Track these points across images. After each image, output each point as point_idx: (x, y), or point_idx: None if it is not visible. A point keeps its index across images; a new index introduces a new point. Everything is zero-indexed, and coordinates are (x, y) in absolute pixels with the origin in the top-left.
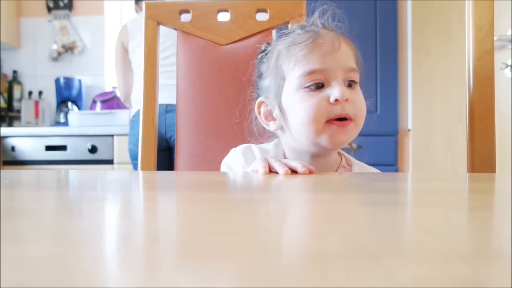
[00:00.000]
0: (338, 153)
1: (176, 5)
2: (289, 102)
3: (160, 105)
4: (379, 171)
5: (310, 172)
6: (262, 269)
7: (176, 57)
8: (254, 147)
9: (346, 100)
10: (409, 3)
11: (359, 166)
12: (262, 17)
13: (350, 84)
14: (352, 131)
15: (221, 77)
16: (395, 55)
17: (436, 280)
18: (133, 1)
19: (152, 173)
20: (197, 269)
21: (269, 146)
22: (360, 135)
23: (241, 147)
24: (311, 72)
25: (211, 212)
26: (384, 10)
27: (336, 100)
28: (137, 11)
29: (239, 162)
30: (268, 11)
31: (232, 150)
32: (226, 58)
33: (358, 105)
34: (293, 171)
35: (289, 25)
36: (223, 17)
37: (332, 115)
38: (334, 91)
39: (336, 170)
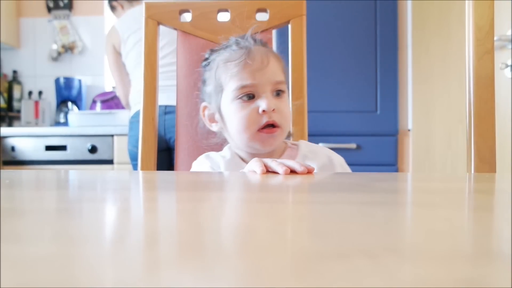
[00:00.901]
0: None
1: (176, 5)
2: (227, 111)
3: (160, 106)
4: (327, 148)
5: (309, 172)
6: (262, 269)
7: (176, 57)
8: (212, 154)
9: (273, 110)
10: (409, 3)
11: (305, 144)
12: (262, 17)
13: (278, 93)
14: (279, 136)
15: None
16: (395, 55)
17: (436, 280)
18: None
19: (152, 173)
20: (197, 269)
21: (224, 152)
22: (360, 135)
23: (202, 156)
24: (244, 87)
25: (211, 212)
26: (384, 10)
27: (263, 111)
28: (114, 9)
29: (206, 166)
30: (268, 11)
31: (194, 162)
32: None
33: (283, 113)
34: (292, 171)
35: (289, 25)
36: (223, 17)
37: (261, 124)
38: (262, 103)
39: (283, 154)
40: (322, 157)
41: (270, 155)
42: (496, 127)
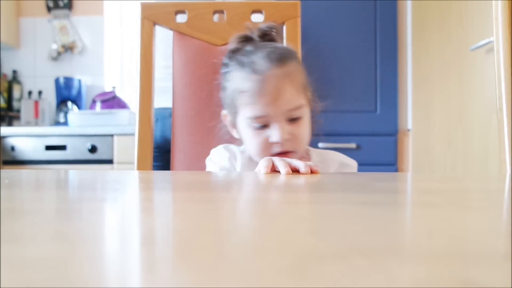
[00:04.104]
0: None
1: (172, 5)
2: (241, 132)
3: (166, 108)
4: (340, 153)
5: (313, 172)
6: (261, 269)
7: (172, 58)
8: (232, 146)
9: (286, 140)
10: (409, 3)
11: (316, 153)
12: (257, 18)
13: (295, 118)
14: (293, 157)
15: (216, 77)
16: (395, 55)
17: (436, 280)
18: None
19: (149, 173)
20: (197, 269)
21: (244, 148)
22: (360, 135)
23: (221, 146)
24: (256, 117)
25: (211, 212)
26: (384, 10)
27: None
28: None
29: (225, 156)
30: (264, 12)
31: (213, 150)
32: (221, 59)
33: (298, 139)
34: (296, 171)
35: (284, 27)
36: (219, 18)
37: (273, 153)
38: (274, 134)
39: None
40: (334, 164)
41: None
42: None
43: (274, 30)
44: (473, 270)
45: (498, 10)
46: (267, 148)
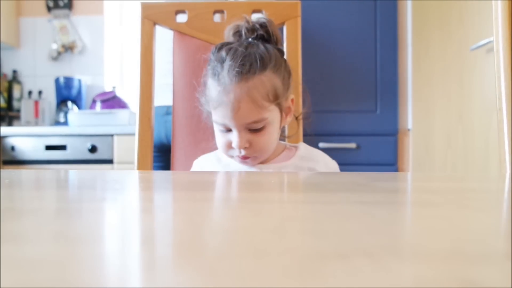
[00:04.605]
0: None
1: (172, 5)
2: (214, 129)
3: (161, 106)
4: (324, 154)
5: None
6: (261, 269)
7: (172, 58)
8: (209, 155)
9: (246, 147)
10: (409, 3)
11: (304, 147)
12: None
13: (256, 129)
14: (255, 161)
15: None
16: (395, 55)
17: (436, 280)
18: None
19: (149, 173)
20: (197, 269)
21: (221, 153)
22: (360, 135)
23: (202, 156)
24: (218, 123)
25: (210, 212)
26: (384, 10)
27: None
28: None
29: (200, 167)
30: (264, 12)
31: (195, 161)
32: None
33: (259, 147)
34: None
35: (284, 26)
36: (219, 17)
37: (234, 155)
38: (234, 141)
39: (280, 155)
40: (320, 163)
41: (268, 158)
42: None
43: (265, 24)
44: (473, 270)
45: (498, 10)
46: (230, 149)
